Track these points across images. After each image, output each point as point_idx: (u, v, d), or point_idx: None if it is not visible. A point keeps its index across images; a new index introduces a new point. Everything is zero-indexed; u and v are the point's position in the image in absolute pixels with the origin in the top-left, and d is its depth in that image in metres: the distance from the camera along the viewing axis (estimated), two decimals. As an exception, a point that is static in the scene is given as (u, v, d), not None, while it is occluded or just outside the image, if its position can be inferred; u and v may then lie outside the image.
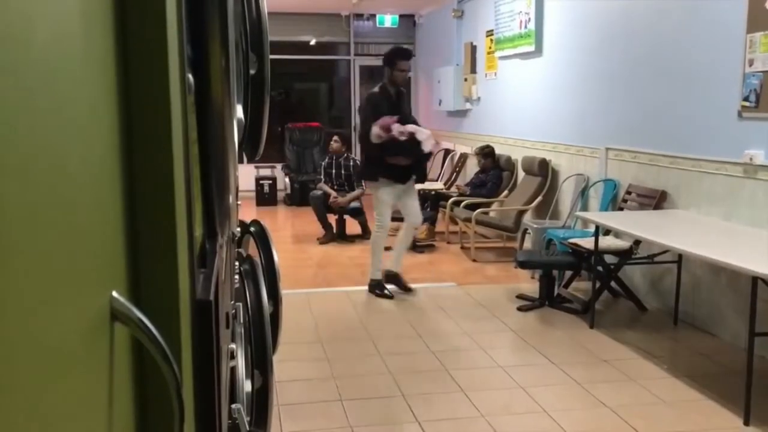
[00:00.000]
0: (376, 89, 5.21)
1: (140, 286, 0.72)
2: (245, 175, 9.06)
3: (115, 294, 0.60)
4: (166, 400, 0.67)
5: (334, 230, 7.30)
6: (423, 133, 4.98)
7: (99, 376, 0.58)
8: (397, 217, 5.60)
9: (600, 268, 4.78)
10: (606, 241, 4.78)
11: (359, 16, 10.86)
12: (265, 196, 9.87)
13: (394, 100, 5.17)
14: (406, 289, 5.28)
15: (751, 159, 3.96)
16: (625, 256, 4.73)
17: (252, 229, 2.58)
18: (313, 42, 11.05)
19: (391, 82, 5.16)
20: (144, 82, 0.69)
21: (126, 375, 0.67)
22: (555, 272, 5.07)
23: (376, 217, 5.29)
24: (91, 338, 0.56)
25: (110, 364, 0.60)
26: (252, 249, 2.59)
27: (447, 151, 9.34)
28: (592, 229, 4.67)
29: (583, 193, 5.72)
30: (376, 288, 5.24)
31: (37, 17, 0.45)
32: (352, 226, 7.39)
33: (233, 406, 1.36)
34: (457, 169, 8.60)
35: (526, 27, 6.91)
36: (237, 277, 1.93)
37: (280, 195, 10.08)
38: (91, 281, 0.57)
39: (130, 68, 0.69)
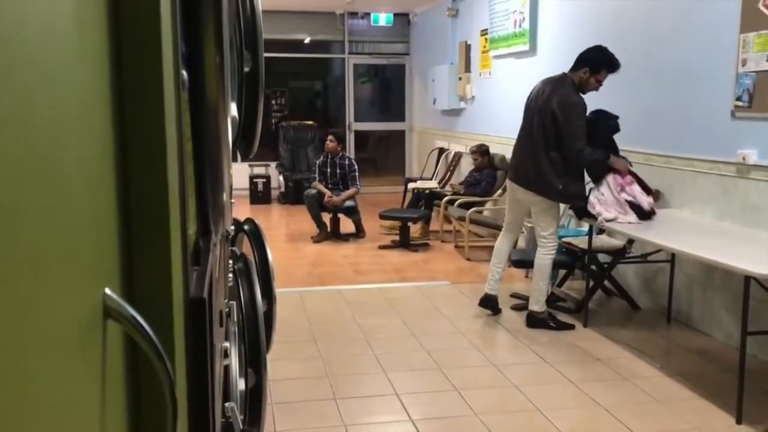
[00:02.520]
0: (572, 89, 4.26)
1: (133, 284, 0.72)
2: (239, 174, 9.04)
3: (108, 291, 0.60)
4: (160, 397, 0.66)
5: (329, 229, 7.30)
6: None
7: (92, 374, 0.57)
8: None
9: (593, 267, 4.79)
10: (599, 240, 4.79)
11: (354, 15, 10.85)
12: (259, 195, 9.86)
13: None
14: (497, 312, 4.73)
15: (744, 158, 3.98)
16: (619, 255, 4.75)
17: (246, 227, 2.58)
18: (307, 40, 11.04)
19: (580, 87, 4.29)
20: (138, 79, 0.69)
21: (119, 372, 0.67)
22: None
23: (552, 238, 4.41)
24: (84, 335, 0.55)
25: (103, 361, 0.60)
26: (246, 247, 2.59)
27: (441, 150, 9.35)
28: (585, 228, 4.68)
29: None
30: (547, 321, 4.44)
31: (30, 15, 0.44)
32: (347, 225, 7.39)
33: (227, 404, 1.36)
34: (452, 168, 8.61)
35: (520, 26, 6.92)
36: (231, 275, 1.92)
37: (274, 193, 10.08)
38: (85, 278, 0.56)
39: (124, 65, 0.68)
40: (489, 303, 4.71)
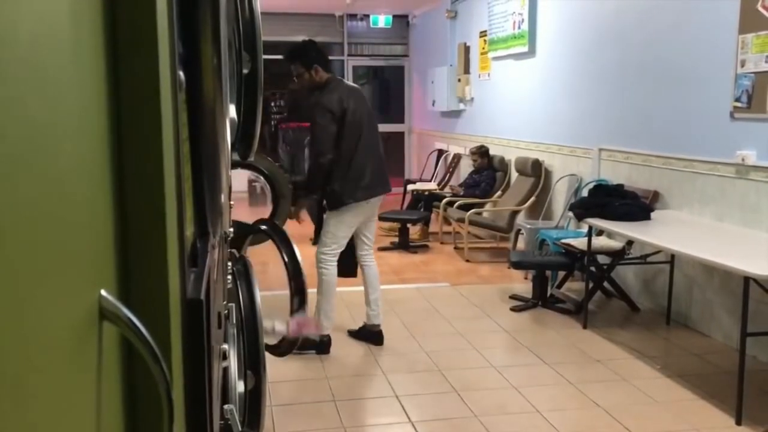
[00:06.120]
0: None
1: (130, 285, 0.71)
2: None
3: (104, 293, 0.60)
4: (156, 400, 0.66)
5: (328, 230, 7.28)
6: None
7: (88, 376, 0.57)
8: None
9: (593, 269, 4.78)
10: (599, 242, 4.79)
11: (353, 17, 10.86)
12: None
13: None
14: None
15: (743, 159, 3.98)
16: (618, 256, 4.75)
17: (263, 227, 2.61)
18: (306, 42, 11.03)
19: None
20: (134, 79, 0.69)
21: (115, 374, 0.67)
22: (548, 272, 5.08)
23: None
24: (80, 337, 0.55)
25: (99, 363, 0.60)
26: (252, 249, 2.59)
27: (440, 152, 9.35)
28: (584, 229, 4.68)
29: (576, 194, 5.73)
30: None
31: (24, 15, 0.44)
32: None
33: (226, 406, 1.35)
34: (451, 169, 8.61)
35: (519, 28, 6.92)
36: (230, 277, 1.92)
37: (274, 195, 10.07)
38: (80, 280, 0.56)
39: (120, 65, 0.68)
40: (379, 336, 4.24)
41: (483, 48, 8.03)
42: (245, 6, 1.63)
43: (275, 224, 3.43)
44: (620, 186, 4.64)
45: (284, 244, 3.00)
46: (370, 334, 4.22)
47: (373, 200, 4.07)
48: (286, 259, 3.27)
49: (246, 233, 3.38)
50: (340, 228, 4.01)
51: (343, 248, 4.07)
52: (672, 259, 4.45)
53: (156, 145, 0.71)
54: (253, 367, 1.88)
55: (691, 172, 4.46)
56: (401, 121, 11.40)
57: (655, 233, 3.94)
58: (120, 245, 0.69)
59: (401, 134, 11.43)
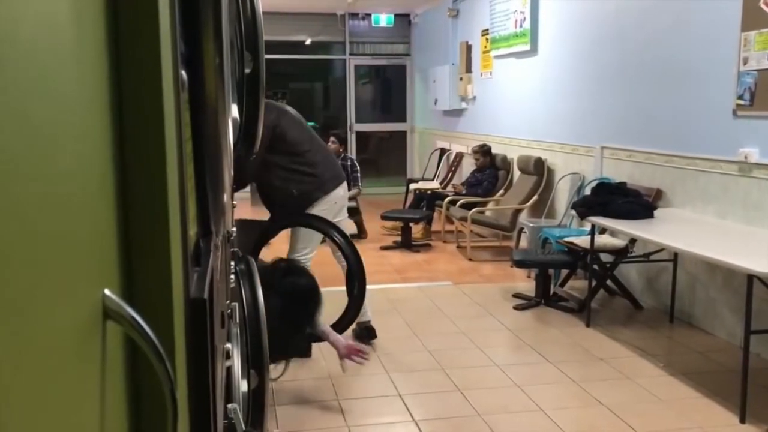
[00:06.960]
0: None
1: (133, 285, 0.71)
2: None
3: (107, 292, 0.60)
4: (160, 399, 0.66)
5: (330, 230, 7.30)
6: None
7: (92, 375, 0.57)
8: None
9: (596, 267, 4.78)
10: (601, 240, 4.79)
11: (354, 16, 10.86)
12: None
13: None
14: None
15: (745, 157, 3.97)
16: (621, 254, 4.74)
17: (307, 219, 2.74)
18: (308, 41, 11.05)
19: None
20: (136, 78, 0.69)
21: (119, 374, 0.67)
22: (551, 271, 5.07)
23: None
24: (84, 337, 0.55)
25: (103, 362, 0.60)
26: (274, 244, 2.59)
27: (443, 151, 9.34)
28: (587, 227, 4.67)
29: (579, 192, 5.73)
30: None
31: (25, 14, 0.44)
32: (348, 226, 7.39)
33: (229, 405, 1.35)
34: (453, 168, 8.61)
35: (521, 26, 6.92)
36: (233, 276, 1.92)
37: (276, 195, 10.06)
38: (83, 279, 0.56)
39: (122, 64, 0.68)
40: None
41: (485, 46, 8.02)
42: (247, 6, 1.63)
43: (317, 216, 3.49)
44: (623, 184, 4.63)
45: (337, 232, 3.01)
46: (361, 332, 4.21)
47: (339, 192, 4.00)
48: (339, 240, 3.32)
49: (280, 228, 3.46)
50: (310, 231, 3.94)
51: (314, 252, 4.01)
52: (675, 257, 4.45)
53: (158, 145, 0.71)
54: (256, 366, 1.88)
55: (694, 170, 4.46)
56: (403, 120, 11.40)
57: (658, 231, 3.93)
58: (123, 244, 0.69)
59: (403, 133, 11.43)
